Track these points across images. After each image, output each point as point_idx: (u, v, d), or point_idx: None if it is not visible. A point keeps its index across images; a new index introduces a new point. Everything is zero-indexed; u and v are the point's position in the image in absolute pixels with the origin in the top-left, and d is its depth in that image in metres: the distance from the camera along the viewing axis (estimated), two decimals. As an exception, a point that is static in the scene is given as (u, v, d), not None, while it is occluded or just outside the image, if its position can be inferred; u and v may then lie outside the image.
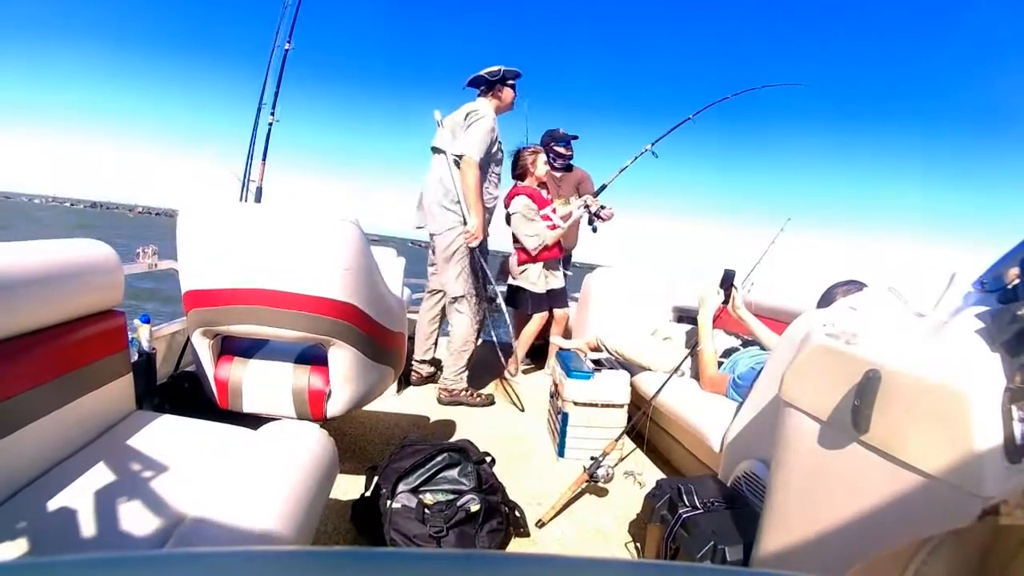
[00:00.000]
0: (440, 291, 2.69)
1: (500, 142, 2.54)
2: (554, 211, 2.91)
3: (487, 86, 2.55)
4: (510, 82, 2.60)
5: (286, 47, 2.78)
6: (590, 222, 3.21)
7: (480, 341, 3.64)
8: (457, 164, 2.41)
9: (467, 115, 2.44)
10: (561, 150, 3.23)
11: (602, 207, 3.16)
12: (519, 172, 2.95)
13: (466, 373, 2.60)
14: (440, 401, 2.57)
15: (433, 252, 2.63)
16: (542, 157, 2.93)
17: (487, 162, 2.47)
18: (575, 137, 3.26)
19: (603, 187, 3.20)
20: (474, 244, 2.46)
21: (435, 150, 2.56)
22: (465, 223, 2.44)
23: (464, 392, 2.58)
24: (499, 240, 2.97)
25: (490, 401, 2.63)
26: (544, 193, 2.96)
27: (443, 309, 2.74)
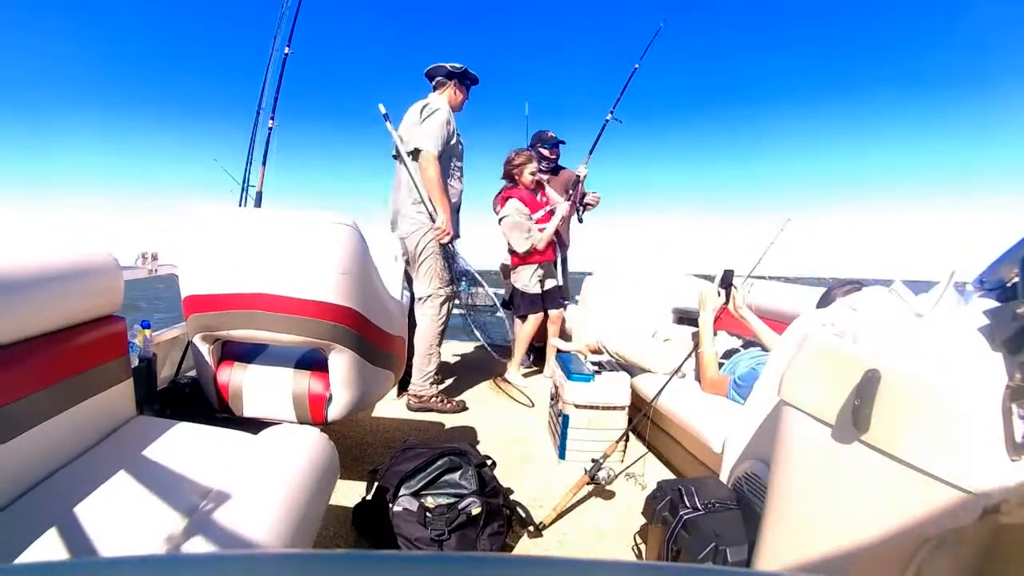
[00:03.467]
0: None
1: (459, 134, 2.49)
2: (548, 216, 2.92)
3: (446, 76, 2.49)
4: (467, 83, 2.56)
5: (285, 51, 2.79)
6: (579, 212, 3.21)
7: (476, 343, 3.63)
8: (416, 160, 2.36)
9: (421, 110, 2.38)
10: (545, 152, 3.21)
11: (584, 194, 3.15)
12: (507, 174, 2.95)
13: (434, 376, 2.51)
14: (410, 408, 2.49)
15: (405, 256, 2.56)
16: (531, 167, 2.89)
17: (447, 156, 2.41)
18: (562, 142, 3.26)
19: (578, 179, 3.13)
20: (445, 240, 2.41)
21: (396, 155, 2.51)
22: (433, 221, 2.39)
23: (434, 398, 2.51)
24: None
25: (461, 407, 2.55)
26: (538, 196, 2.96)
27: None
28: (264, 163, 2.77)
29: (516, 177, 2.91)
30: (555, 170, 3.30)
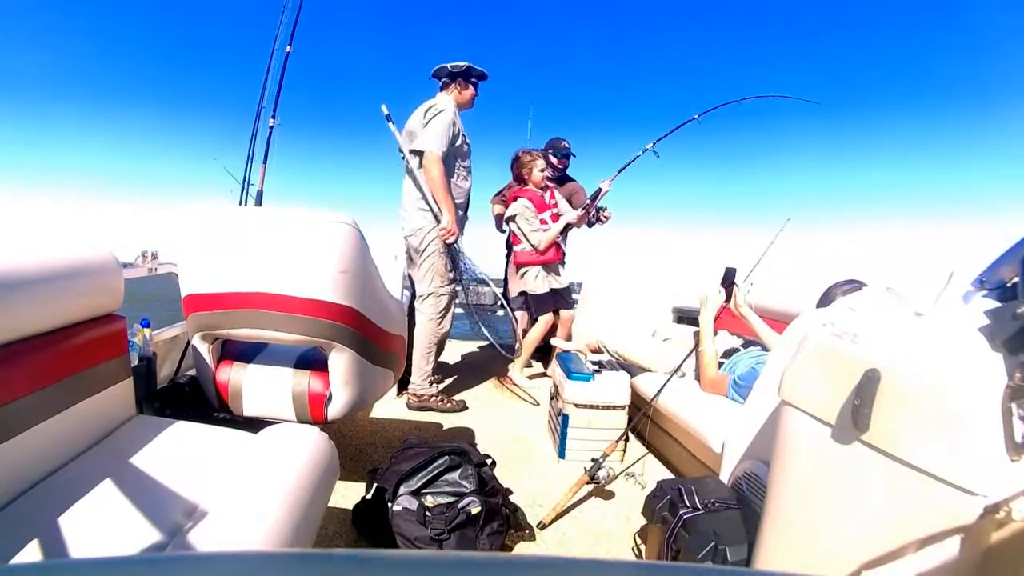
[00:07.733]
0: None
1: (465, 135, 2.49)
2: (554, 217, 2.90)
3: (450, 78, 2.50)
4: (473, 80, 2.55)
5: (287, 50, 2.79)
6: (590, 224, 3.20)
7: (483, 343, 3.63)
8: (420, 163, 2.37)
9: (426, 111, 2.39)
10: (553, 161, 3.21)
11: (600, 209, 3.13)
12: (517, 174, 2.95)
13: (431, 376, 2.53)
14: (409, 407, 2.50)
15: (408, 254, 2.60)
16: (539, 164, 2.89)
17: (452, 156, 2.42)
18: (574, 155, 3.26)
19: (598, 191, 3.13)
20: (451, 240, 2.42)
21: (402, 153, 2.51)
22: (438, 221, 2.40)
23: (433, 398, 2.52)
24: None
25: (461, 407, 2.56)
26: (547, 197, 2.94)
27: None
28: (265, 162, 2.77)
29: (525, 177, 2.90)
30: (561, 180, 3.30)
